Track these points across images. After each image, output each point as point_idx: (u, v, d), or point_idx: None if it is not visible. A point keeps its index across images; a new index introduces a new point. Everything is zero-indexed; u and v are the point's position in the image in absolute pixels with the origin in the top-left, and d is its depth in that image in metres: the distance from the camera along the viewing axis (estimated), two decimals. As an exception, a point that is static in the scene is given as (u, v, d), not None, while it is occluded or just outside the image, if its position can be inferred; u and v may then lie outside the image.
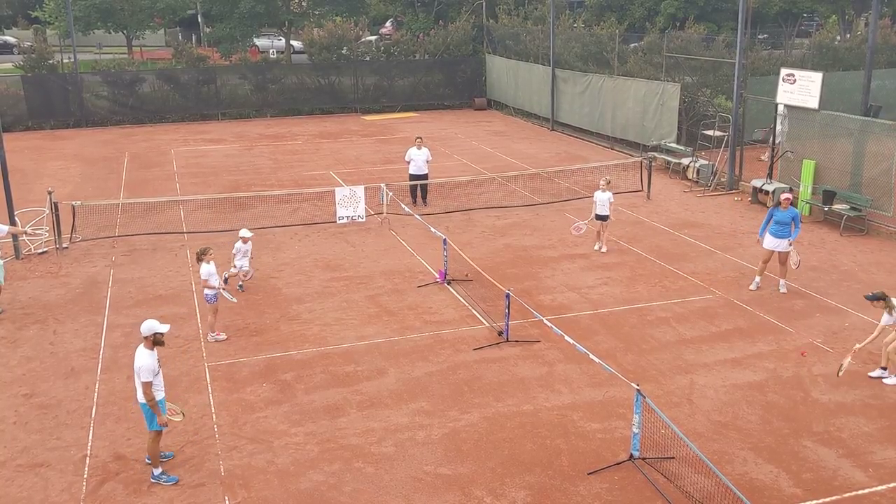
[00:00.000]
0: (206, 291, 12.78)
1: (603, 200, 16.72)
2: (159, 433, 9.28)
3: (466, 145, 28.95)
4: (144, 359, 9.07)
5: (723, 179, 22.21)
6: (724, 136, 23.16)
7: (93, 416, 10.71)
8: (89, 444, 10.05)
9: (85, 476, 9.40)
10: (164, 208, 20.27)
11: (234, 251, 14.77)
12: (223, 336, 12.98)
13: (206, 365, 12.10)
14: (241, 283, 14.84)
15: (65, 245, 17.47)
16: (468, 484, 9.21)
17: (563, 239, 17.94)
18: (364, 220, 19.18)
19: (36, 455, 9.82)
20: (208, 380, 11.67)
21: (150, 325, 9.27)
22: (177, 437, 10.06)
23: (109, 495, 9.05)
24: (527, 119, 34.49)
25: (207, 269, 12.63)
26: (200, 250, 12.79)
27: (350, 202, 19.07)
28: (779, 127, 20.39)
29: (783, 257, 14.48)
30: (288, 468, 9.53)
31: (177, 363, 12.10)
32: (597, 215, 16.84)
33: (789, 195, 14.59)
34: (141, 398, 9.16)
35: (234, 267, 14.42)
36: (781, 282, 14.73)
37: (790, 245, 14.43)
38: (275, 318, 13.78)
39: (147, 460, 9.53)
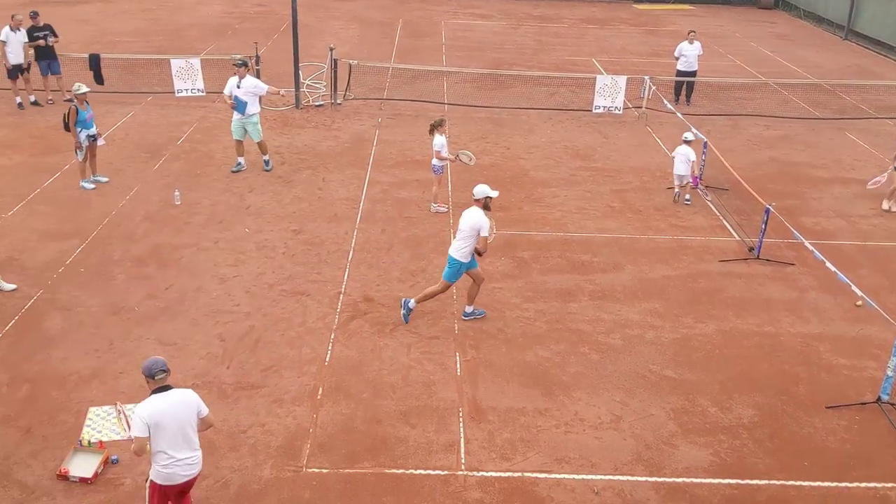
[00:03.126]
0: (435, 162, 13.07)
1: None
2: (448, 285, 10.07)
3: (743, 46, 26.75)
4: (481, 217, 9.63)
5: None
6: None
7: (349, 259, 11.72)
8: (344, 283, 11.05)
9: (338, 310, 10.40)
10: (430, 77, 20.95)
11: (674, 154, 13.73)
12: (444, 208, 13.38)
13: (450, 231, 12.64)
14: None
15: (339, 101, 18.77)
16: (693, 391, 9.04)
17: (838, 160, 16.31)
18: (621, 112, 18.62)
19: (299, 284, 10.99)
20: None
21: (483, 189, 9.83)
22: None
23: (357, 331, 9.98)
24: (817, 24, 31.03)
25: (440, 140, 12.83)
26: (436, 121, 12.94)
27: (609, 92, 18.54)
28: None
29: None
30: (516, 339, 9.90)
31: (425, 225, 12.81)
32: None
33: None
34: (465, 253, 9.76)
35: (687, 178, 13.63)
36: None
37: None
38: (519, 198, 14.01)
39: (406, 306, 10.33)
